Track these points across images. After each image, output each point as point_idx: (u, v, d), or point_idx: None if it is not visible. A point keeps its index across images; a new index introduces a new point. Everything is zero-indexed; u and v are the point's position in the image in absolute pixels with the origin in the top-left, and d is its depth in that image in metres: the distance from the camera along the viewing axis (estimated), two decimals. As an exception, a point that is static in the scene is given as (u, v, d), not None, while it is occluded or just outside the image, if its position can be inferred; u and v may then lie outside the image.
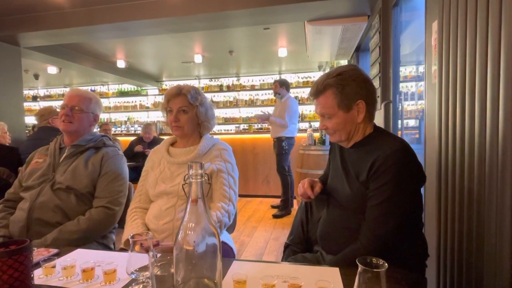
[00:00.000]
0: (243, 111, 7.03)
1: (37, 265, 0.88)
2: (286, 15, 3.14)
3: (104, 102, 7.54)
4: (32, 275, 0.75)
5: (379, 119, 2.37)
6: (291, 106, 3.93)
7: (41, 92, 8.26)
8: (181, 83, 1.46)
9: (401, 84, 2.44)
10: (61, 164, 1.43)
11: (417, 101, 2.51)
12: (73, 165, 1.42)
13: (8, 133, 3.04)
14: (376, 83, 2.71)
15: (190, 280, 0.60)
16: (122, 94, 7.66)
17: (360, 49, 4.07)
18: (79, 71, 5.91)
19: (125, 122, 7.65)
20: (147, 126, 4.61)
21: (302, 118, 6.48)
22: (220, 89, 7.07)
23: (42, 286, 0.82)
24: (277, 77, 6.60)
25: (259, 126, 6.48)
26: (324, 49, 4.22)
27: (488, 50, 0.94)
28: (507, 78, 0.85)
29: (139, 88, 7.59)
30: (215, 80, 7.17)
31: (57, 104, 7.21)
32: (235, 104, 6.96)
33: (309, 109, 6.61)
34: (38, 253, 0.98)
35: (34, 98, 8.15)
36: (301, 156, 3.69)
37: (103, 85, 7.77)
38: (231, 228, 1.54)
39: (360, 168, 1.03)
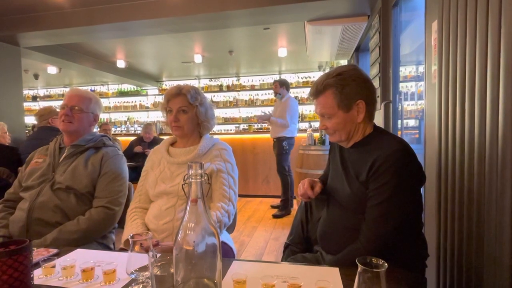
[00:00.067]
0: (243, 111, 7.03)
1: (37, 265, 0.88)
2: (286, 15, 3.15)
3: (104, 102, 7.54)
4: (31, 275, 0.75)
5: (379, 119, 2.37)
6: (291, 106, 3.93)
7: (41, 92, 8.26)
8: (181, 83, 1.46)
9: (401, 84, 2.44)
10: (61, 164, 1.43)
11: (417, 101, 2.51)
12: (73, 165, 1.42)
13: (8, 133, 3.04)
14: (376, 83, 2.71)
15: (190, 280, 0.60)
16: (122, 94, 7.66)
17: (360, 49, 4.07)
18: (79, 71, 5.91)
19: (125, 122, 7.65)
20: (147, 126, 4.61)
21: (302, 118, 6.49)
22: (220, 89, 7.07)
23: (41, 286, 0.82)
24: (277, 77, 6.60)
25: (259, 126, 6.48)
26: (324, 49, 4.22)
27: (488, 50, 0.94)
28: (507, 77, 0.85)
29: (139, 88, 7.59)
30: (215, 80, 7.17)
31: (57, 104, 7.21)
32: (235, 104, 6.96)
33: (309, 109, 6.61)
34: (38, 253, 0.98)
35: (34, 98, 8.15)
36: (301, 156, 3.69)
37: (103, 85, 7.77)
38: (231, 228, 1.54)
39: (360, 168, 1.03)
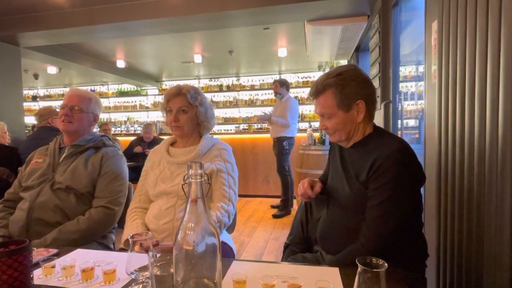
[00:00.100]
0: (243, 111, 7.03)
1: (37, 265, 0.88)
2: (286, 15, 3.15)
3: (104, 102, 7.54)
4: (31, 275, 0.75)
5: (378, 119, 2.37)
6: (292, 105, 3.93)
7: (41, 92, 8.26)
8: (181, 83, 1.46)
9: (400, 84, 2.43)
10: (61, 164, 1.43)
11: (417, 101, 2.51)
12: (73, 165, 1.42)
13: (7, 133, 3.03)
14: (376, 83, 2.71)
15: (190, 280, 0.60)
16: (122, 94, 7.66)
17: (360, 49, 4.07)
18: (79, 71, 5.91)
19: (125, 122, 7.65)
20: (147, 126, 4.61)
21: (302, 118, 6.49)
22: (220, 89, 7.07)
23: (41, 286, 0.82)
24: (277, 77, 6.60)
25: (259, 126, 6.48)
26: (324, 49, 4.22)
27: (488, 50, 0.94)
28: (507, 78, 0.85)
29: (139, 88, 7.59)
30: (215, 80, 7.17)
31: (56, 104, 7.21)
32: (235, 104, 6.96)
33: (309, 109, 6.61)
34: (38, 253, 0.98)
35: (34, 98, 8.15)
36: (301, 156, 3.69)
37: (102, 85, 7.77)
38: (231, 228, 1.54)
39: (360, 168, 1.03)
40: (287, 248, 1.32)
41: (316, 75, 6.45)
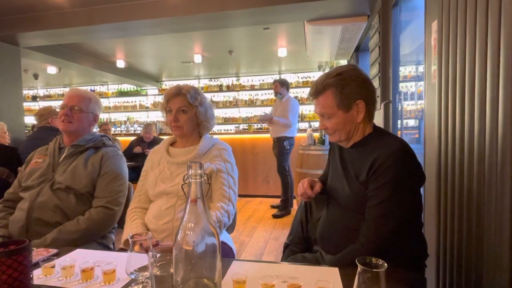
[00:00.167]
0: (243, 111, 7.03)
1: (37, 265, 0.88)
2: (285, 15, 3.15)
3: (104, 102, 7.54)
4: (31, 275, 0.75)
5: (378, 119, 2.37)
6: (293, 105, 3.93)
7: (41, 92, 8.26)
8: (181, 83, 1.46)
9: (400, 84, 2.43)
10: (61, 164, 1.43)
11: (416, 101, 2.51)
12: (73, 165, 1.42)
13: (7, 133, 3.03)
14: (376, 83, 2.71)
15: (190, 280, 0.60)
16: (121, 94, 7.66)
17: (360, 49, 4.07)
18: (78, 71, 5.91)
19: (125, 122, 7.65)
20: (147, 126, 4.61)
21: (302, 118, 6.49)
22: (220, 89, 7.07)
23: (41, 286, 0.82)
24: (276, 77, 6.60)
25: (259, 126, 6.48)
26: (324, 49, 4.22)
27: (487, 50, 0.94)
28: (507, 77, 0.85)
29: (138, 88, 7.59)
30: (214, 80, 7.17)
31: (56, 104, 7.20)
32: (234, 104, 6.96)
33: (309, 109, 6.61)
34: (38, 253, 0.98)
35: (34, 98, 8.15)
36: (301, 156, 3.69)
37: (102, 85, 7.76)
38: (230, 228, 1.54)
39: (359, 168, 1.03)
40: (287, 248, 1.32)
41: (316, 75, 6.46)
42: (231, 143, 1.57)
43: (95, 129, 1.76)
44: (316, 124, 5.73)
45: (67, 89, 7.52)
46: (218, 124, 6.91)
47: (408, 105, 2.55)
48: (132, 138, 4.84)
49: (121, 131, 7.16)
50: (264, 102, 6.80)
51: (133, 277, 0.76)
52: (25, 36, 3.64)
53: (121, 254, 1.01)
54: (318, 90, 1.07)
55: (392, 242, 0.97)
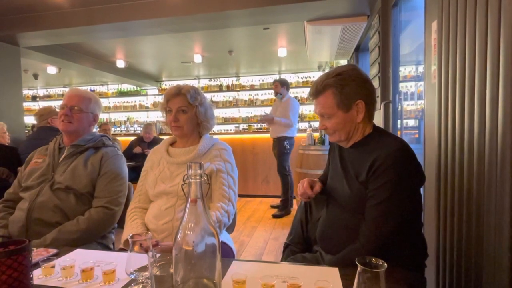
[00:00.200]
0: (243, 111, 7.03)
1: (36, 265, 0.88)
2: (285, 15, 3.15)
3: (104, 102, 7.54)
4: (31, 275, 0.75)
5: (378, 119, 2.37)
6: (294, 105, 3.93)
7: (41, 92, 8.26)
8: (181, 83, 1.46)
9: (400, 84, 2.44)
10: (61, 164, 1.43)
11: (416, 101, 2.51)
12: (73, 165, 1.42)
13: (7, 133, 3.03)
14: (376, 83, 2.71)
15: (189, 280, 0.60)
16: (121, 94, 7.66)
17: (360, 49, 4.07)
18: (78, 71, 5.91)
19: (125, 122, 7.65)
20: (147, 126, 4.61)
21: (302, 118, 6.49)
22: (220, 89, 7.07)
23: (41, 286, 0.82)
24: (276, 77, 6.59)
25: (259, 126, 6.48)
26: (324, 49, 4.22)
27: (487, 50, 0.94)
28: (506, 77, 0.85)
29: (138, 88, 7.58)
30: (214, 80, 7.17)
31: (56, 104, 7.20)
32: (234, 104, 6.96)
33: (308, 109, 6.61)
34: (37, 253, 0.98)
35: (34, 98, 8.15)
36: (301, 156, 3.69)
37: (102, 85, 7.76)
38: (230, 228, 1.54)
39: (359, 168, 1.03)
40: (287, 248, 1.32)
41: (316, 75, 6.46)
42: (231, 143, 1.57)
43: (95, 129, 1.76)
44: (316, 124, 5.73)
45: (67, 89, 7.52)
46: (218, 124, 6.91)
47: (408, 105, 2.55)
48: (132, 138, 4.84)
49: (121, 131, 7.16)
50: (264, 102, 6.80)
51: (133, 277, 0.76)
52: (25, 36, 3.64)
53: (121, 254, 1.01)
54: (318, 90, 1.07)
55: (392, 242, 0.97)
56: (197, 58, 5.30)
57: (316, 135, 3.83)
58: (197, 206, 0.60)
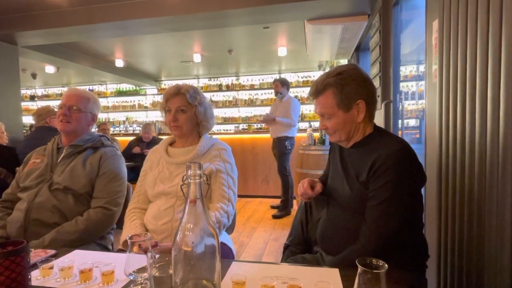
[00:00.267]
0: (243, 110, 7.03)
1: (35, 266, 0.88)
2: (285, 14, 3.14)
3: (103, 101, 7.54)
4: (29, 277, 0.74)
5: (379, 119, 2.37)
6: (295, 105, 3.93)
7: (39, 91, 8.25)
8: (180, 82, 1.46)
9: (401, 84, 2.44)
10: (59, 164, 1.43)
11: (417, 101, 2.51)
12: (71, 165, 1.42)
13: (5, 133, 3.03)
14: (376, 82, 2.71)
15: (189, 281, 0.60)
16: (120, 93, 7.65)
17: (360, 49, 4.07)
18: (77, 70, 5.91)
19: (124, 122, 7.65)
20: (146, 126, 4.61)
21: (302, 118, 6.48)
22: (219, 88, 7.07)
23: (39, 287, 0.82)
24: (276, 76, 6.59)
25: (259, 126, 6.47)
26: (324, 48, 4.22)
27: (489, 49, 0.94)
28: (508, 76, 0.85)
29: (137, 88, 7.58)
30: (214, 80, 7.17)
31: (55, 103, 7.19)
32: (234, 103, 6.96)
33: (309, 109, 6.61)
34: (36, 254, 0.98)
35: (32, 98, 8.15)
36: (301, 156, 3.69)
37: (101, 84, 7.76)
38: (230, 229, 1.54)
39: (360, 168, 1.03)
40: (287, 249, 1.32)
41: (316, 75, 6.46)
42: (231, 143, 1.57)
43: (94, 129, 1.76)
44: (316, 124, 5.73)
45: (65, 89, 7.54)
46: (218, 124, 6.91)
47: (408, 105, 2.55)
48: (131, 138, 4.84)
49: (120, 131, 7.16)
50: (264, 102, 6.80)
51: (132, 278, 0.76)
52: (23, 35, 3.64)
53: (120, 255, 1.01)
54: (318, 89, 1.07)
55: (393, 242, 0.97)
56: (197, 58, 5.30)
57: (316, 135, 3.83)
58: (196, 206, 0.61)
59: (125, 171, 1.52)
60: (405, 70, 2.54)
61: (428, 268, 1.08)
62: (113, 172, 1.45)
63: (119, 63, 5.57)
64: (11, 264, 0.70)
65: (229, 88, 7.02)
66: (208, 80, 7.21)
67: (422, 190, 1.06)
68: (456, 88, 1.14)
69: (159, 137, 4.91)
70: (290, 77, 6.63)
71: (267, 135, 4.45)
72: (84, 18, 3.32)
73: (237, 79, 7.06)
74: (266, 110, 5.86)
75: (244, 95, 6.99)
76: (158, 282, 0.80)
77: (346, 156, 1.13)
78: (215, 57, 5.57)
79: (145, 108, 7.52)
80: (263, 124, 6.09)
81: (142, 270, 0.76)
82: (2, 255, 0.69)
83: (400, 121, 2.34)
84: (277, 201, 4.29)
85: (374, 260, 0.58)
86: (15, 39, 3.76)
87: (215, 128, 6.43)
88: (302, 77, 6.70)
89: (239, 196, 3.64)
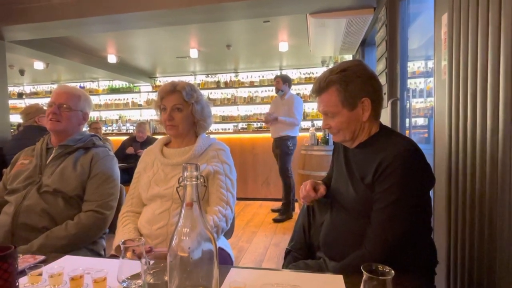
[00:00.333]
0: (242, 109, 7.03)
1: (23, 272, 0.88)
2: (287, 7, 3.14)
3: (94, 99, 7.54)
4: (17, 284, 0.75)
5: (385, 118, 2.37)
6: (298, 103, 3.94)
7: (27, 89, 8.26)
8: (176, 79, 1.46)
9: (409, 81, 2.44)
10: (48, 166, 1.43)
11: (426, 98, 2.52)
12: (61, 166, 1.42)
13: (-8, 133, 3.03)
14: (383, 79, 2.71)
15: (185, 288, 0.60)
16: (113, 91, 7.66)
17: (366, 44, 4.07)
18: (67, 66, 5.91)
19: (117, 120, 7.65)
20: (140, 125, 4.61)
21: (304, 116, 6.49)
22: (217, 85, 7.07)
23: (27, 295, 0.82)
24: (277, 73, 6.60)
25: (259, 125, 6.48)
26: (328, 43, 4.22)
27: (501, 44, 0.94)
28: (521, 74, 0.86)
29: (131, 85, 7.58)
30: (212, 76, 7.18)
31: (44, 101, 7.20)
32: (233, 101, 6.97)
33: (311, 107, 6.62)
34: (24, 260, 0.98)
35: (20, 95, 8.15)
36: (303, 156, 3.69)
37: (92, 81, 7.76)
38: (228, 233, 1.54)
39: (365, 169, 1.03)
40: (289, 254, 1.32)
41: (319, 71, 6.46)
42: (229, 143, 1.57)
43: (85, 129, 1.76)
44: (319, 123, 5.73)
45: (55, 86, 7.53)
46: (216, 123, 6.91)
47: (416, 103, 2.55)
48: (124, 137, 4.84)
49: (113, 130, 7.16)
50: (264, 100, 6.80)
51: (125, 285, 0.76)
52: (10, 29, 3.64)
53: (113, 261, 1.01)
54: (321, 87, 1.07)
55: (400, 247, 0.97)
56: (193, 53, 5.31)
57: (319, 134, 3.84)
58: (193, 210, 0.61)
59: (118, 172, 1.52)
60: (413, 66, 2.55)
61: (437, 275, 1.08)
62: (105, 174, 1.45)
63: (112, 58, 5.58)
64: (-2, 271, 0.70)
65: (227, 85, 7.02)
66: (206, 77, 7.21)
67: (431, 192, 1.07)
68: (467, 85, 1.15)
69: (154, 136, 4.91)
70: (292, 74, 6.63)
71: (268, 135, 4.45)
72: (74, 11, 3.32)
73: (236, 76, 7.06)
74: (266, 108, 5.85)
75: (243, 92, 6.99)
76: (153, 289, 0.80)
77: (350, 157, 1.13)
78: (212, 53, 5.57)
79: (139, 106, 7.52)
80: (263, 123, 6.14)
81: (135, 276, 0.76)
82: (-12, 261, 0.69)
83: (407, 120, 2.34)
84: (278, 204, 4.29)
85: (380, 266, 0.59)
86: (2, 34, 3.75)
87: (213, 127, 6.44)
88: (304, 74, 6.70)
89: (238, 198, 3.65)
